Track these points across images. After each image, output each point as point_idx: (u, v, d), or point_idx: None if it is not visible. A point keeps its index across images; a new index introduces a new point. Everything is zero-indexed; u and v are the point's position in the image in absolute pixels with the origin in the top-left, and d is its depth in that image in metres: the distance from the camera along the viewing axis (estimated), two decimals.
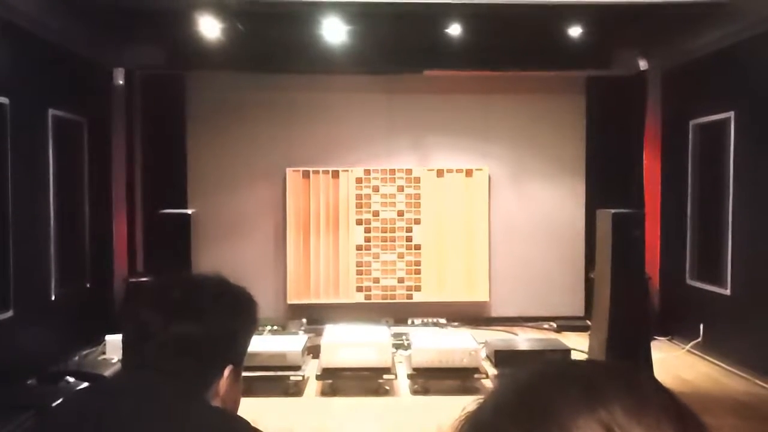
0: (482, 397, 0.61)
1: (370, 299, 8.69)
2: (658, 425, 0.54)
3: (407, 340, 6.89)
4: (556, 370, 0.62)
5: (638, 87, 8.41)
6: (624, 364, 0.61)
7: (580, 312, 8.66)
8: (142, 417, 1.19)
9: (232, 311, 1.33)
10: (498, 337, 7.55)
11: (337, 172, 8.70)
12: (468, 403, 0.62)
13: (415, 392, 5.97)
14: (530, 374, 0.62)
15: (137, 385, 1.26)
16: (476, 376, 5.93)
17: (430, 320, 8.29)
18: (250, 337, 1.37)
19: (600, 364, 0.63)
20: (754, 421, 5.38)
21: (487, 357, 6.36)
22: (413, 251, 8.75)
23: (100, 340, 6.74)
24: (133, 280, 7.90)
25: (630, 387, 0.57)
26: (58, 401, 4.38)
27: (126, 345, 1.32)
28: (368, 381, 5.98)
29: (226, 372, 1.29)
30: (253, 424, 1.25)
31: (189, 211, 8.17)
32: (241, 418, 1.26)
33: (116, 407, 1.22)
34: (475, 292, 8.77)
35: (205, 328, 1.28)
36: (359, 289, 8.71)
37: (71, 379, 5.57)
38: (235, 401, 1.34)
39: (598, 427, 0.54)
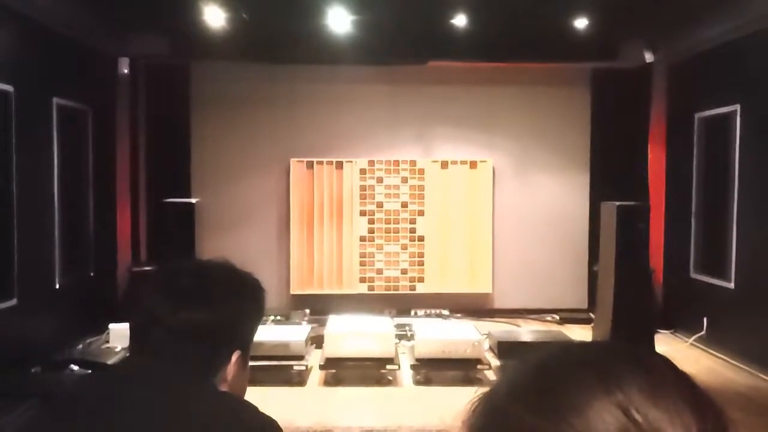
0: (497, 379, 0.61)
1: (373, 290, 8.69)
2: (675, 406, 0.54)
3: (410, 330, 6.90)
4: (572, 352, 0.62)
5: (644, 79, 8.38)
6: (639, 346, 0.61)
7: (584, 305, 8.65)
8: (149, 402, 1.19)
9: (239, 297, 1.33)
10: (501, 328, 7.55)
11: (341, 163, 8.69)
12: (471, 394, 0.61)
13: (417, 383, 5.99)
14: (544, 357, 0.61)
15: (145, 371, 1.26)
16: (479, 367, 5.93)
17: (433, 311, 8.30)
18: (257, 323, 1.37)
19: (616, 347, 0.62)
20: (757, 414, 5.38)
21: (490, 348, 6.37)
22: (417, 243, 8.75)
23: (103, 329, 6.76)
24: (137, 269, 7.92)
25: (646, 369, 0.57)
26: (64, 388, 4.40)
27: (133, 331, 1.32)
28: (371, 371, 5.99)
29: (234, 357, 1.30)
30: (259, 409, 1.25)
31: (193, 201, 8.18)
32: (249, 402, 1.26)
33: (123, 393, 1.22)
34: (479, 284, 8.77)
35: (213, 314, 1.28)
36: (362, 280, 8.71)
37: (75, 368, 5.60)
38: (242, 387, 1.34)
39: (615, 409, 0.53)
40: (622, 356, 0.59)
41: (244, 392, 1.35)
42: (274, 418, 1.26)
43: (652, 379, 0.56)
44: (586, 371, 0.57)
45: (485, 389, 0.61)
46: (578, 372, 0.57)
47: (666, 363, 0.59)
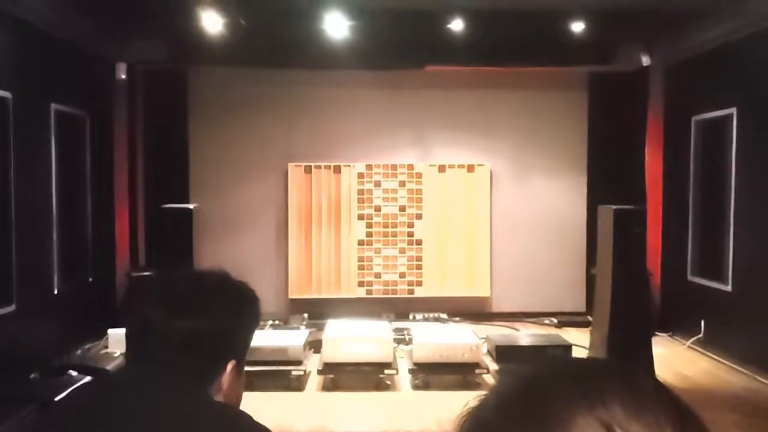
0: (484, 393, 0.62)
1: (371, 294, 8.70)
2: (657, 423, 0.55)
3: (408, 335, 6.90)
4: (557, 367, 0.63)
5: (641, 83, 8.39)
6: (624, 362, 0.62)
7: (581, 308, 8.66)
8: (145, 411, 1.20)
9: (234, 306, 1.34)
10: (499, 332, 7.56)
11: (339, 167, 8.71)
12: (469, 398, 0.62)
13: (416, 387, 5.99)
14: (531, 371, 0.62)
15: (140, 380, 1.27)
16: (477, 371, 5.93)
17: (431, 315, 8.31)
18: (252, 333, 1.39)
19: (600, 362, 0.63)
20: (754, 417, 5.39)
21: (488, 352, 6.37)
22: (415, 246, 8.76)
23: (102, 334, 6.76)
24: (136, 274, 7.92)
25: (629, 385, 0.58)
26: (62, 395, 4.40)
27: (129, 340, 1.33)
28: (369, 376, 5.99)
29: (229, 367, 1.30)
30: (254, 419, 1.26)
31: (191, 206, 8.17)
32: (244, 412, 1.27)
33: (119, 401, 1.23)
34: (477, 288, 8.78)
35: (208, 324, 1.29)
36: (361, 284, 8.72)
37: (74, 373, 5.59)
38: (237, 396, 1.35)
39: (597, 425, 0.54)
40: (606, 371, 0.60)
41: (239, 401, 1.36)
42: (270, 426, 1.27)
43: (635, 395, 0.57)
44: (569, 386, 0.57)
45: (473, 403, 0.62)
46: (563, 387, 0.58)
47: (650, 378, 0.60)
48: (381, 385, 5.97)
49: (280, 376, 5.90)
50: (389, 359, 6.01)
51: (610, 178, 8.49)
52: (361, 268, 8.72)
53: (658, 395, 0.58)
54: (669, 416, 0.56)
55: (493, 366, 6.10)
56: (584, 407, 0.55)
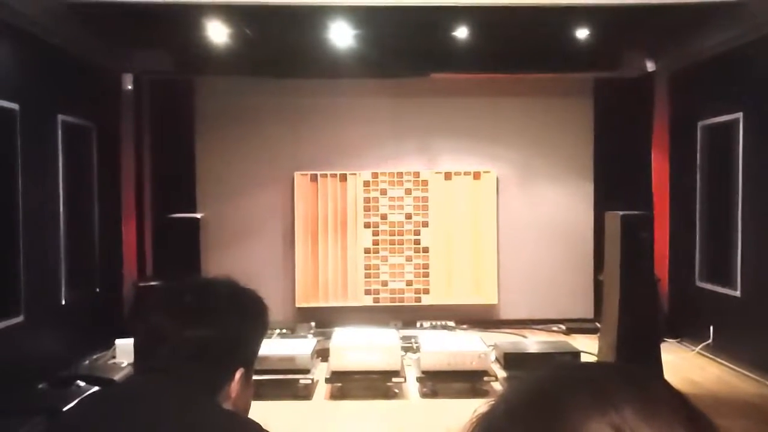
0: (493, 399, 0.62)
1: (378, 302, 8.69)
2: (669, 426, 0.55)
3: (416, 343, 6.89)
4: (567, 372, 0.63)
5: (646, 88, 8.39)
6: (634, 366, 0.62)
7: (589, 314, 8.63)
8: (153, 420, 1.20)
9: (243, 314, 1.34)
10: (507, 339, 7.53)
11: (345, 175, 8.71)
12: (478, 405, 0.62)
13: (424, 395, 5.97)
14: (541, 377, 0.62)
15: (149, 389, 1.27)
16: (485, 378, 5.91)
17: (438, 323, 8.28)
18: (261, 340, 1.38)
19: (610, 367, 0.63)
20: (764, 423, 5.35)
21: (496, 360, 6.35)
22: (421, 254, 8.75)
23: (110, 345, 6.76)
24: (143, 284, 7.93)
25: (640, 389, 0.57)
26: (70, 405, 4.39)
27: (138, 349, 1.33)
28: (377, 384, 5.98)
29: (238, 375, 1.30)
30: (263, 427, 1.25)
31: (198, 216, 8.21)
32: (253, 420, 1.27)
33: (128, 410, 1.23)
34: (484, 295, 8.76)
35: (217, 332, 1.29)
36: (368, 292, 8.71)
37: (82, 383, 5.59)
38: (246, 404, 1.35)
39: (609, 430, 0.54)
40: (617, 376, 0.60)
41: (248, 409, 1.36)
42: None
43: (646, 399, 0.56)
44: (580, 392, 0.57)
45: (483, 409, 0.61)
46: (573, 392, 0.57)
47: (661, 382, 0.60)
48: (389, 394, 5.96)
49: (288, 384, 5.89)
50: (397, 367, 6.00)
51: (616, 184, 8.47)
52: (367, 276, 8.71)
53: (670, 399, 0.58)
54: (680, 420, 0.56)
55: (502, 373, 6.08)
56: (595, 412, 0.55)
